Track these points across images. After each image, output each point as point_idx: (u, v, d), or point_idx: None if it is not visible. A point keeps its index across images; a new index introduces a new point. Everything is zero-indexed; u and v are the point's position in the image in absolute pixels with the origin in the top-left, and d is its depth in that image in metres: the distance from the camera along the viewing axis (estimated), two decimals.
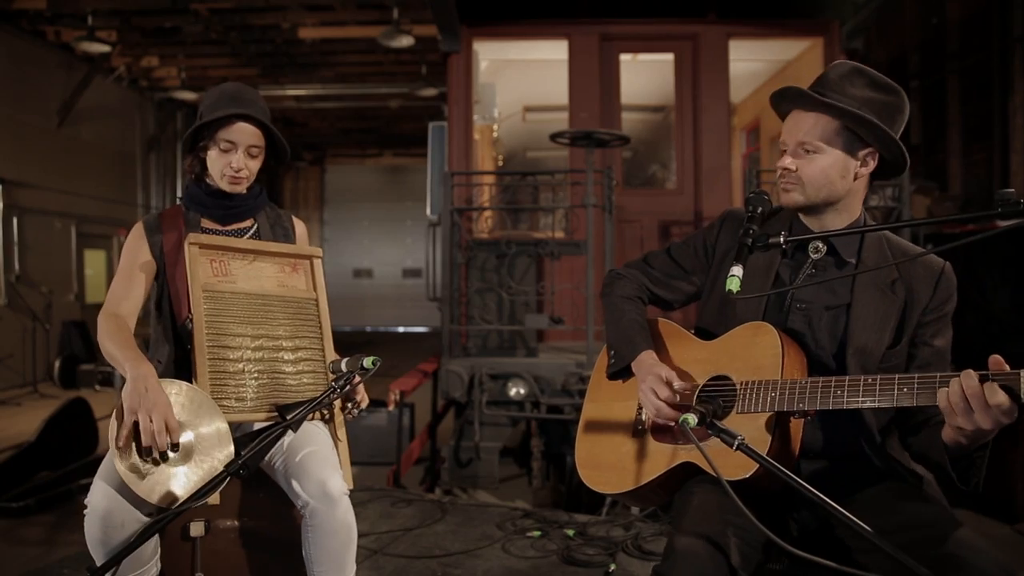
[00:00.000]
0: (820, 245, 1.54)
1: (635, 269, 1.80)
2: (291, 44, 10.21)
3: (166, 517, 1.44)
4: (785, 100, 1.55)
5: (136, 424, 1.54)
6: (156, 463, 1.56)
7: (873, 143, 1.48)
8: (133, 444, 1.55)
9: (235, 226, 1.99)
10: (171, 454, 1.59)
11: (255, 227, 2.01)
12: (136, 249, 1.90)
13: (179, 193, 2.24)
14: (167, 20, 9.22)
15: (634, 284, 1.77)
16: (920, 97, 8.30)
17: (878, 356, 1.48)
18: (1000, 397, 1.14)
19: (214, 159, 1.91)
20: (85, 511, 1.60)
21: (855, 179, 1.50)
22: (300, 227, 2.11)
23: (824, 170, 1.48)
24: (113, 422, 1.56)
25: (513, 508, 3.77)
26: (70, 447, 4.73)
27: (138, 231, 1.92)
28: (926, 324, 1.50)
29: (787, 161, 1.51)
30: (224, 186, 1.92)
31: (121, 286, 1.87)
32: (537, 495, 4.46)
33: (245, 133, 1.89)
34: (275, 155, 2.01)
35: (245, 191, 1.99)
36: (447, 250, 4.59)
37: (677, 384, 1.51)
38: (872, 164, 1.50)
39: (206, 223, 1.96)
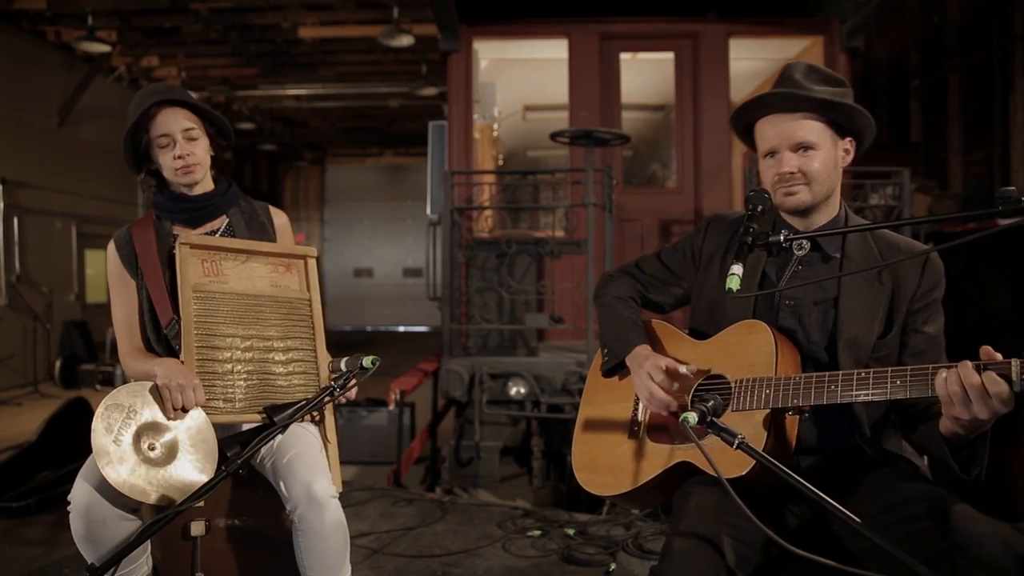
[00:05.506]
0: (804, 242, 1.56)
1: (627, 272, 1.83)
2: (291, 43, 10.19)
3: (166, 517, 1.44)
4: (767, 105, 1.53)
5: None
6: (142, 463, 1.57)
7: (851, 132, 1.53)
8: (122, 446, 1.56)
9: (207, 226, 1.94)
10: (156, 453, 1.60)
11: (227, 224, 1.96)
12: (119, 276, 1.89)
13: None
14: (167, 20, 9.21)
15: (627, 286, 1.80)
16: (921, 95, 8.28)
17: (869, 347, 1.49)
18: (999, 386, 1.15)
19: (161, 162, 1.86)
20: (68, 508, 1.63)
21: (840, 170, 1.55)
22: (280, 218, 2.04)
23: (824, 164, 1.51)
24: (97, 424, 1.56)
25: (513, 507, 3.77)
26: (71, 447, 4.72)
27: (112, 254, 1.89)
28: (916, 312, 1.51)
29: (792, 163, 1.50)
30: (181, 180, 1.86)
31: (125, 322, 1.87)
32: (537, 494, 4.45)
33: (173, 118, 1.83)
34: (221, 135, 1.95)
35: (212, 186, 1.94)
36: (447, 249, 4.58)
37: (678, 369, 1.52)
38: (852, 152, 1.55)
39: (177, 229, 1.92)
